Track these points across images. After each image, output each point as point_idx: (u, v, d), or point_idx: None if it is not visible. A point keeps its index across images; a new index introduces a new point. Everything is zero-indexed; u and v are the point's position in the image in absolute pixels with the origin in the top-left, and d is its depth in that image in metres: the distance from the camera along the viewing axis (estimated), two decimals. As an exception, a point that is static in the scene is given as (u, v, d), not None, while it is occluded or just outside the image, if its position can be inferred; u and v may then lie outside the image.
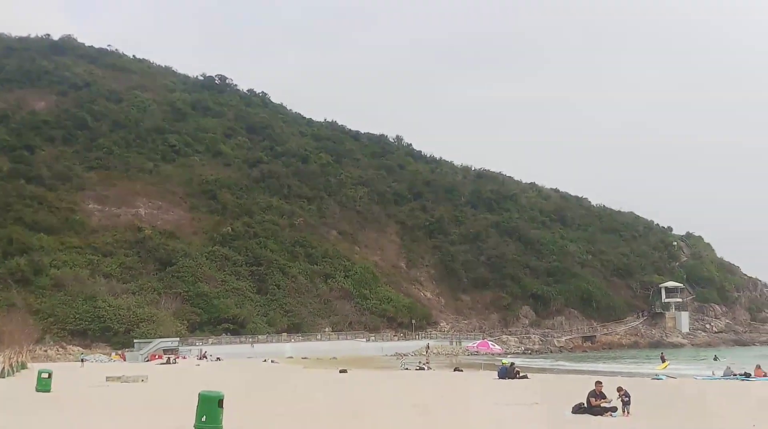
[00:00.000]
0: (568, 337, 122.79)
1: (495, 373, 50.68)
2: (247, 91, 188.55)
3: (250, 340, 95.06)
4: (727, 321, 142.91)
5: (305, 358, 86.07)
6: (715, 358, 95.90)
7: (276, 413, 26.76)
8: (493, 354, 79.49)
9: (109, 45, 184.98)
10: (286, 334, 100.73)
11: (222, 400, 18.69)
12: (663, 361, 71.65)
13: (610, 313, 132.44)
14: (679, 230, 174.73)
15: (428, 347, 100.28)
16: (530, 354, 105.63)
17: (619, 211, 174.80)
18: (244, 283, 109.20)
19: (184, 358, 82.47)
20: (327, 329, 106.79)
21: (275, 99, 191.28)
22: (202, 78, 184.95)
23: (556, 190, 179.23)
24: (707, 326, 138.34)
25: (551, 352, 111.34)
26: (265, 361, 76.78)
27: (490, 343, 79.22)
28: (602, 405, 25.88)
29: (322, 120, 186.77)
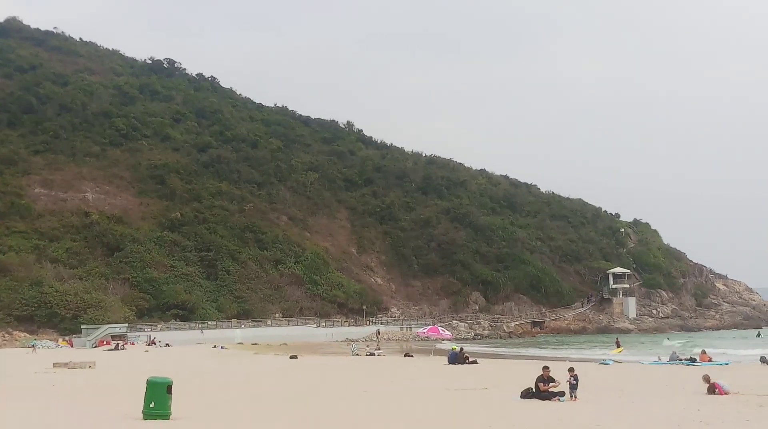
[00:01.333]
0: (518, 322, 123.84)
1: (445, 359, 51.00)
2: (196, 75, 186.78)
3: (200, 326, 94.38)
4: (673, 306, 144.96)
5: (255, 344, 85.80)
6: (759, 335, 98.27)
7: (225, 399, 26.60)
8: (443, 339, 79.92)
9: (55, 27, 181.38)
10: (236, 320, 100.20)
11: (170, 386, 18.52)
12: (618, 346, 72.86)
13: (558, 299, 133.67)
14: (626, 217, 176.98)
15: (379, 333, 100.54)
16: (480, 339, 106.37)
17: (568, 198, 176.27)
18: (194, 269, 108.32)
19: (133, 344, 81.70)
20: (277, 315, 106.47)
21: (225, 83, 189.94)
22: (150, 62, 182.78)
23: (506, 177, 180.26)
24: (654, 312, 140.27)
25: (501, 337, 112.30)
26: (214, 347, 76.50)
27: (440, 328, 79.49)
28: (550, 389, 26.15)
29: (273, 105, 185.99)
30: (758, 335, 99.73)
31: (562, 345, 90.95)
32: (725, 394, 27.15)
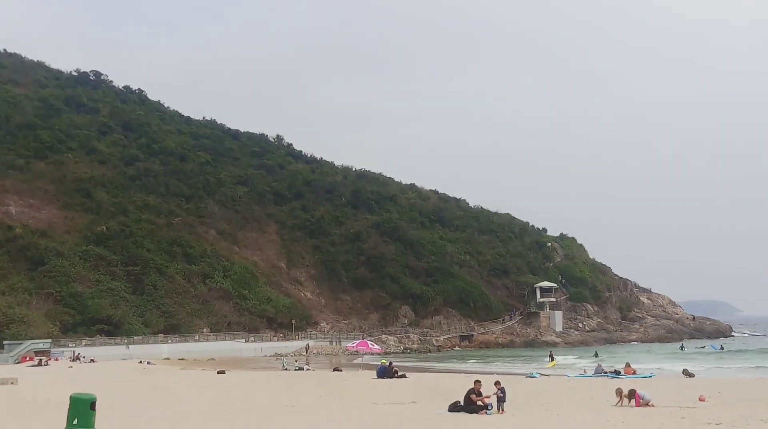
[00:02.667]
0: (447, 336, 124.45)
1: (374, 373, 51.02)
2: (123, 87, 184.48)
3: (126, 341, 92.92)
4: (598, 320, 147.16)
5: (182, 359, 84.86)
6: (682, 348, 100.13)
7: (151, 416, 26.27)
8: (372, 353, 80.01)
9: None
10: (162, 335, 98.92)
11: (94, 402, 18.22)
12: (552, 359, 73.86)
13: (487, 313, 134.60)
14: (553, 231, 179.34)
15: (308, 347, 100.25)
16: (409, 353, 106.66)
17: (496, 213, 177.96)
18: (120, 284, 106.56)
19: (57, 360, 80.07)
20: (205, 330, 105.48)
21: (153, 96, 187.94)
22: (76, 74, 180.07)
23: (435, 192, 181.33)
24: (580, 325, 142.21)
25: (430, 351, 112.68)
26: (140, 362, 75.31)
27: (369, 342, 79.64)
28: (479, 403, 26.38)
29: (201, 118, 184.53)
30: (681, 348, 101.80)
31: (498, 358, 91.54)
32: (645, 405, 27.65)
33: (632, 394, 28.44)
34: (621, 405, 28.25)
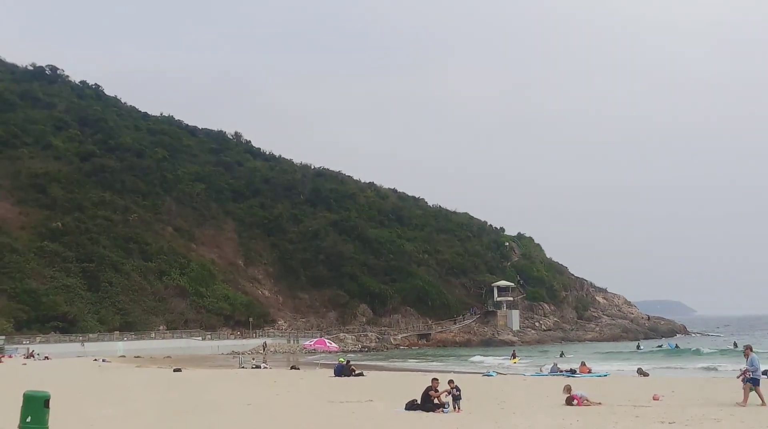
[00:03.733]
0: (404, 334, 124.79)
1: (331, 371, 50.97)
2: (80, 82, 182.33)
3: (81, 338, 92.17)
4: (555, 319, 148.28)
5: (138, 357, 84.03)
6: (638, 347, 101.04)
7: (105, 414, 25.98)
8: (329, 352, 79.96)
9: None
10: (118, 332, 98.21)
11: (48, 399, 17.99)
12: (514, 357, 74.39)
13: (445, 312, 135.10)
14: (511, 231, 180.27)
15: (265, 345, 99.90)
16: (367, 352, 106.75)
17: (455, 212, 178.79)
18: (75, 280, 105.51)
19: (10, 357, 78.87)
20: (161, 327, 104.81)
21: (109, 92, 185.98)
22: (31, 68, 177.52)
23: (394, 190, 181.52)
24: (537, 324, 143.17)
25: (387, 349, 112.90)
26: (95, 360, 74.53)
27: (326, 341, 79.51)
28: (435, 401, 26.48)
29: (159, 114, 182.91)
30: (638, 347, 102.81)
31: (456, 357, 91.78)
32: (582, 404, 27.76)
33: (570, 400, 28.42)
34: (568, 404, 28.37)
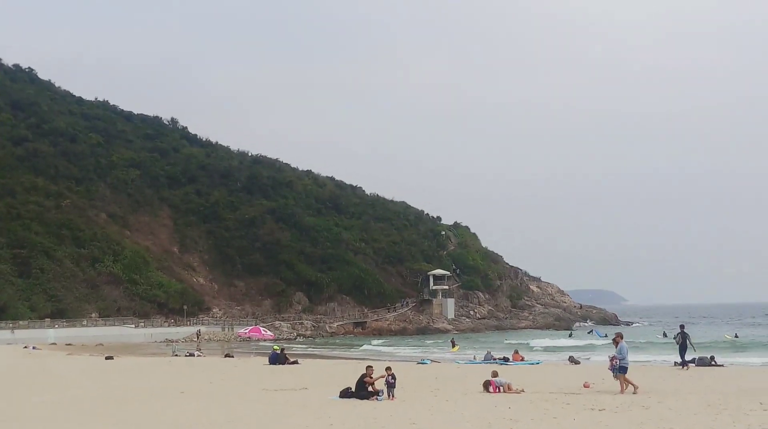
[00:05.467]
0: (340, 323, 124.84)
1: (266, 359, 50.81)
2: (13, 66, 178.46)
3: (11, 325, 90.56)
4: (489, 308, 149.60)
5: (70, 344, 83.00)
6: (570, 335, 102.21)
7: (36, 402, 25.68)
8: (265, 340, 79.76)
9: None
10: (49, 319, 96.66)
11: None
12: (453, 345, 74.75)
13: (381, 300, 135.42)
14: (447, 220, 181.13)
15: (199, 333, 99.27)
16: (303, 340, 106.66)
17: (392, 200, 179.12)
18: (5, 267, 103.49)
19: (-63, 345, 77.47)
20: (94, 315, 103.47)
21: (43, 75, 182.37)
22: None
23: (332, 178, 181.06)
24: (471, 312, 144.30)
25: (323, 337, 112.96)
26: (26, 347, 73.42)
27: (262, 329, 79.45)
28: (370, 389, 26.57)
29: (93, 99, 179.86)
30: (570, 335, 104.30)
31: (384, 345, 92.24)
32: (498, 392, 28.12)
33: (487, 385, 28.85)
34: (486, 390, 28.73)
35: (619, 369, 27.94)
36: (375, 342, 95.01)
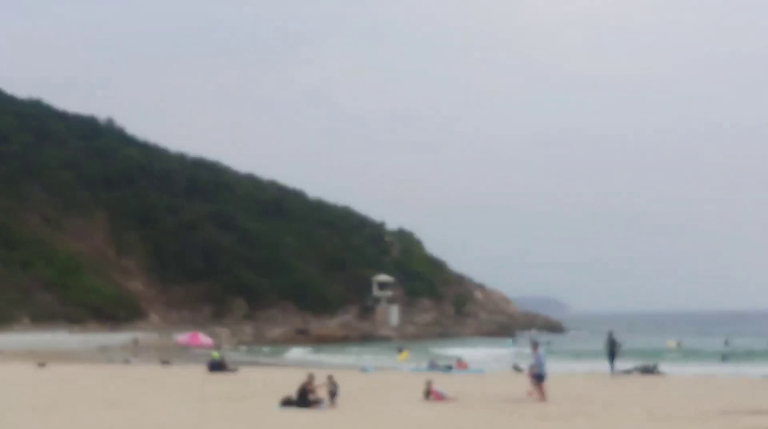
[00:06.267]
0: (282, 329, 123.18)
1: (204, 367, 49.59)
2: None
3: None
4: (434, 314, 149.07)
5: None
6: (512, 343, 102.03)
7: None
8: (203, 347, 78.14)
9: None
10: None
11: None
12: (400, 351, 74.28)
13: (324, 307, 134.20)
14: (392, 226, 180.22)
15: (136, 340, 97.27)
16: (242, 347, 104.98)
17: (335, 205, 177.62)
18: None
19: None
20: (25, 321, 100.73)
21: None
22: None
23: (274, 182, 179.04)
24: (416, 319, 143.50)
25: (264, 344, 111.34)
26: (-50, 355, 70.83)
27: (200, 335, 77.85)
28: (311, 398, 26.30)
29: (26, 98, 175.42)
30: (512, 342, 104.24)
31: (326, 352, 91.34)
32: (441, 400, 28.62)
33: (428, 393, 29.24)
34: (426, 398, 29.14)
35: (536, 376, 28.80)
36: (316, 349, 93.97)
